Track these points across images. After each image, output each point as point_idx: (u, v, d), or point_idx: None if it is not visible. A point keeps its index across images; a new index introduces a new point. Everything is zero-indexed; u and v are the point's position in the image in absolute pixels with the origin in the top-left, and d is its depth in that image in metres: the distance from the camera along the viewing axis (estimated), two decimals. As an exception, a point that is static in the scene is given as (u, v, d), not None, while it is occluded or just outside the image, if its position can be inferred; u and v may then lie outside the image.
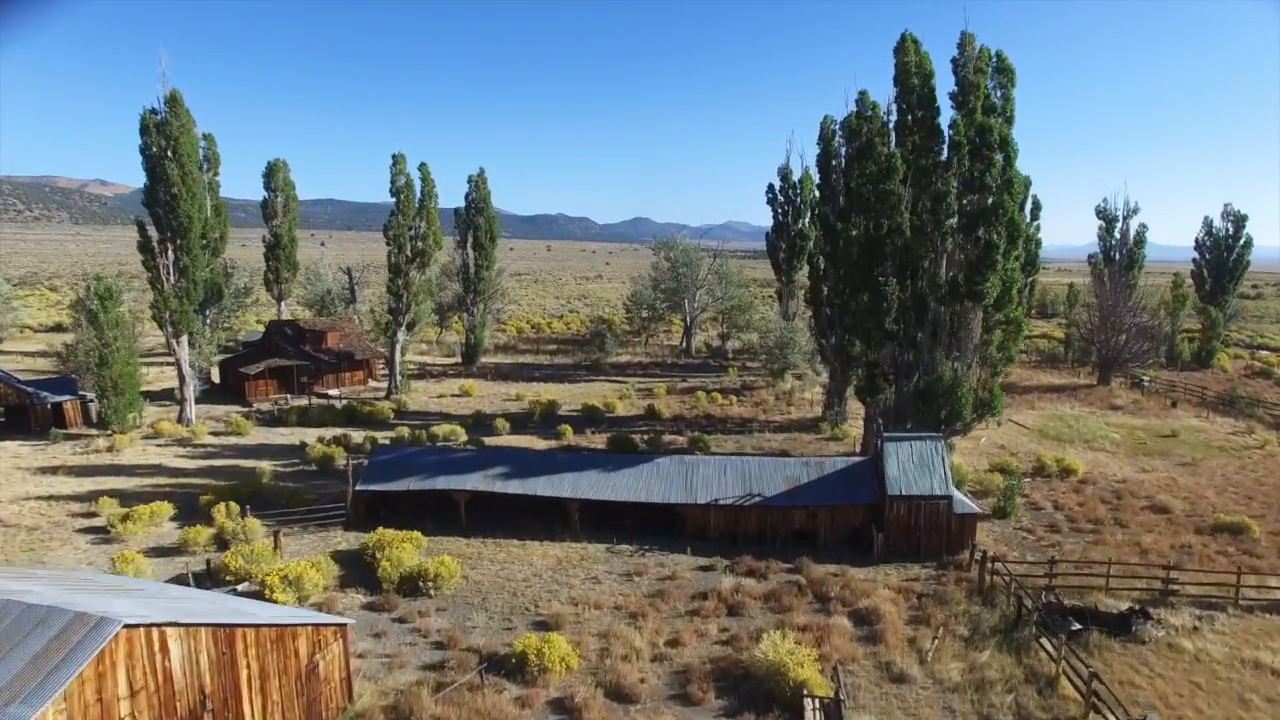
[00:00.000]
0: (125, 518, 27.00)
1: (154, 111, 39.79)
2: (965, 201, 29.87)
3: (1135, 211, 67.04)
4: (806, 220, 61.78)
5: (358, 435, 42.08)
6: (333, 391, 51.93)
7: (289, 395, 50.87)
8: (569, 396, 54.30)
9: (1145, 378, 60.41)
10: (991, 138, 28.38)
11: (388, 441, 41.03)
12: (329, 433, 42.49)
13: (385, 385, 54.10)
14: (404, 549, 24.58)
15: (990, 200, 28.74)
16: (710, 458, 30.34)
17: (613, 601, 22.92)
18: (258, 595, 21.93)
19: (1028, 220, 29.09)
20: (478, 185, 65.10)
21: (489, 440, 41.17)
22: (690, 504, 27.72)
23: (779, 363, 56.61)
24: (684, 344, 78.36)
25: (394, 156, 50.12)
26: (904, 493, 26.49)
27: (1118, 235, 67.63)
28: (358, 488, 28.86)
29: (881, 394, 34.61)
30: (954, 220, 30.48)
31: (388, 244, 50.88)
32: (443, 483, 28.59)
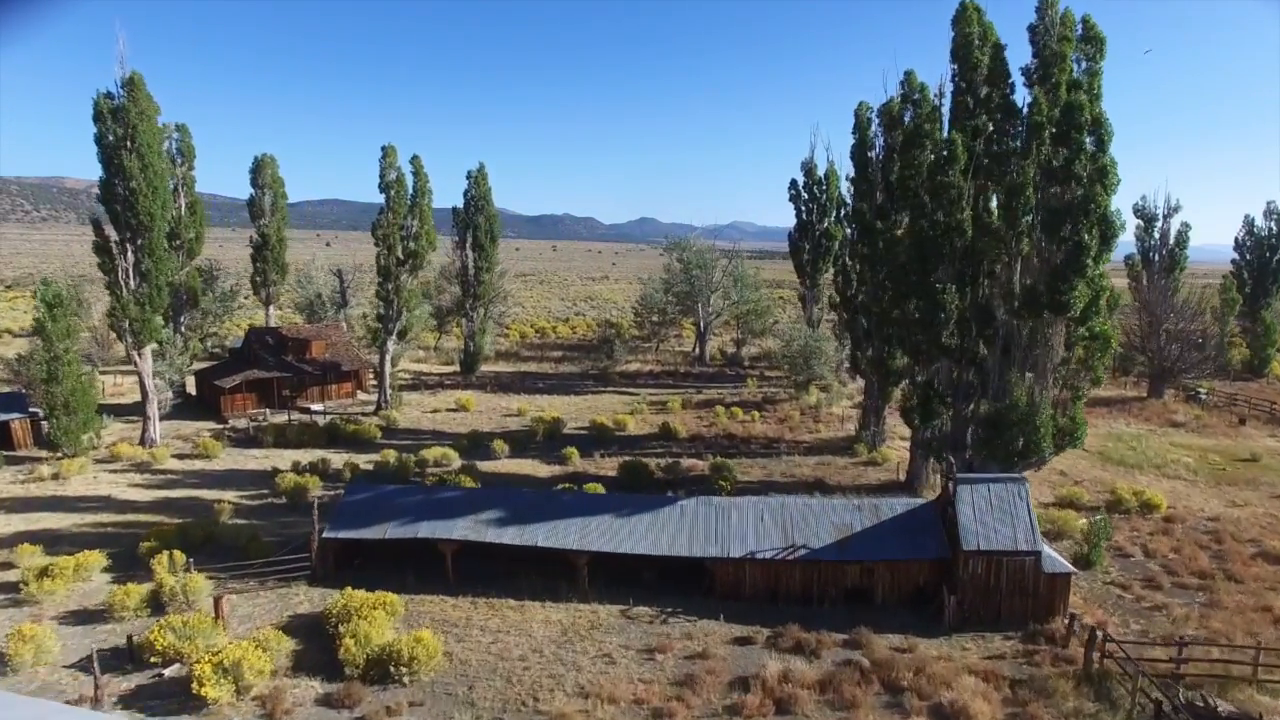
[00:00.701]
0: (44, 573, 22.52)
1: (109, 96, 35.37)
2: (1046, 194, 25.19)
3: (1176, 210, 62.30)
4: (832, 219, 57.08)
5: (339, 459, 37.61)
6: (316, 406, 47.48)
7: (268, 410, 46.43)
8: (575, 411, 49.76)
9: (1202, 390, 55.52)
10: (1081, 117, 23.71)
11: (371, 466, 36.63)
12: (307, 455, 38.02)
13: (376, 398, 49.62)
14: (374, 618, 20.01)
15: (1080, 193, 24.05)
16: (743, 500, 25.67)
17: (631, 692, 18.31)
18: (185, 688, 17.45)
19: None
20: (477, 181, 60.68)
21: (486, 465, 36.66)
22: (722, 558, 23.12)
23: (804, 374, 51.91)
24: (696, 351, 73.73)
25: (383, 148, 45.67)
26: (981, 547, 21.83)
27: (1157, 235, 62.94)
28: (325, 534, 24.34)
29: (937, 418, 29.98)
30: (1030, 217, 25.79)
31: (376, 244, 46.40)
32: (426, 529, 24.04)
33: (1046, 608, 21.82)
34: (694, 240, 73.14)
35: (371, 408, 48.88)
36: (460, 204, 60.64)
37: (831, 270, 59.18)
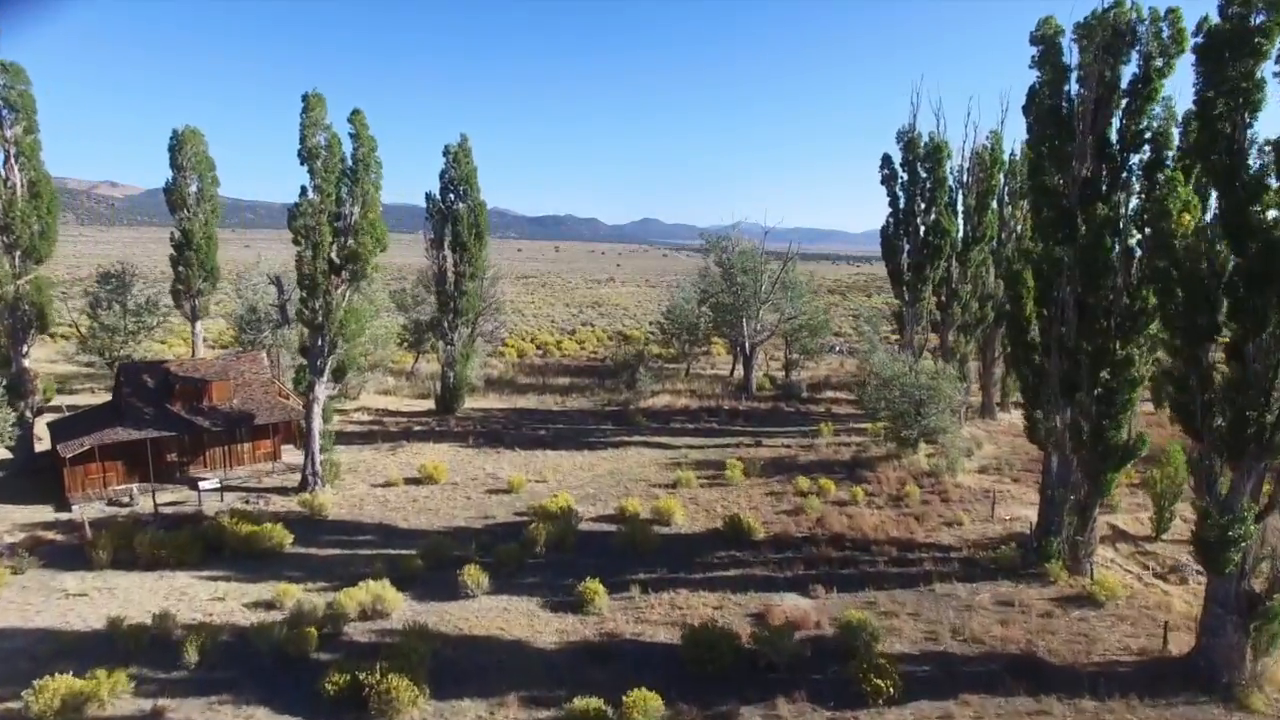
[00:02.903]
0: None
1: None
2: None
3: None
4: (942, 208, 41.76)
5: (204, 596, 22.52)
6: (207, 482, 31.99)
7: (135, 487, 31.19)
8: (592, 480, 34.60)
9: None
10: None
11: (251, 621, 21.22)
12: (155, 590, 22.91)
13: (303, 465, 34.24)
14: None
15: None
16: None
17: None
18: None
19: None
20: (457, 159, 45.57)
21: (448, 619, 21.39)
22: None
23: (915, 428, 36.55)
24: (738, 377, 58.36)
25: (305, 97, 30.40)
26: None
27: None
28: None
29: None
30: None
31: (297, 242, 31.09)
32: None
33: None
34: (738, 239, 57.63)
35: (297, 478, 33.65)
36: (436, 189, 45.55)
37: (935, 277, 44.02)
